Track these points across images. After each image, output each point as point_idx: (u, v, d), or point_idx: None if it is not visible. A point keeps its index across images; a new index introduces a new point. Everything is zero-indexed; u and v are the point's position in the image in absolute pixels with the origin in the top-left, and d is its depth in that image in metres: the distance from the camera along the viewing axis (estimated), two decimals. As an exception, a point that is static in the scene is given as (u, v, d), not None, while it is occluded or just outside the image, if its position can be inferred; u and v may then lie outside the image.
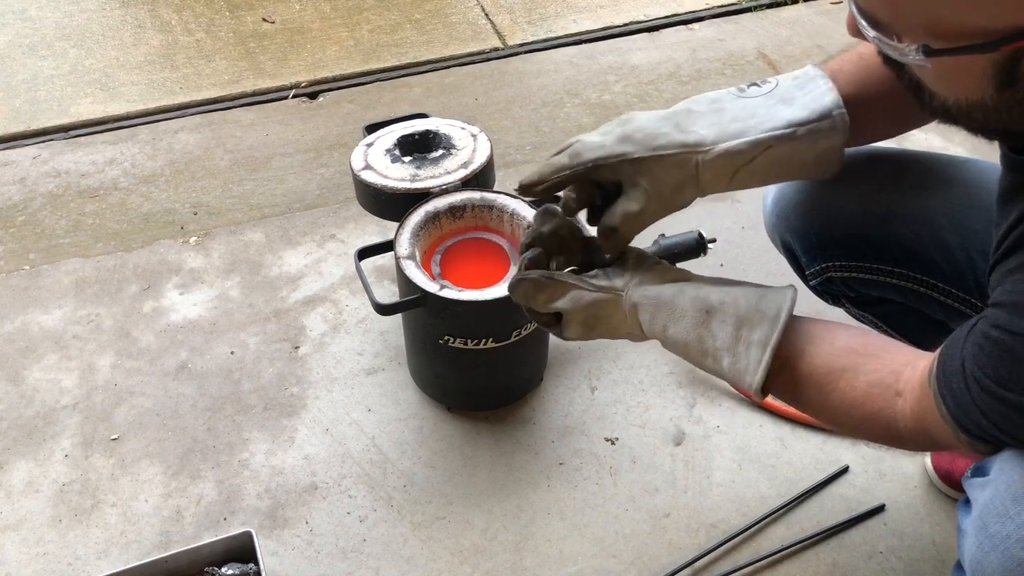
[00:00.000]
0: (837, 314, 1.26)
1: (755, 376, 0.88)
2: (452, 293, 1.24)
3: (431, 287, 1.24)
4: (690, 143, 0.92)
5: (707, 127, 0.93)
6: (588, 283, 0.95)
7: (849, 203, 1.10)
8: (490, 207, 1.37)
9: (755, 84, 0.97)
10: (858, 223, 1.10)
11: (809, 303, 1.22)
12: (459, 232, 1.38)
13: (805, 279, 1.20)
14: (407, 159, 1.42)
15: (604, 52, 2.26)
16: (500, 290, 1.25)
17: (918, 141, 1.97)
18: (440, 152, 1.42)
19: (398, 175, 1.39)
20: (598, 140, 0.93)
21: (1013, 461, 0.77)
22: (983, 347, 0.75)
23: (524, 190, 0.97)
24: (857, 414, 0.87)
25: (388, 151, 1.44)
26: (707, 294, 0.91)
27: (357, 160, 1.42)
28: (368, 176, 1.39)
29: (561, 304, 0.96)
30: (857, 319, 1.24)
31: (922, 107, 0.76)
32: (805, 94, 0.94)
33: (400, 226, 1.32)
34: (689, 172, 0.93)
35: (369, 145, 1.45)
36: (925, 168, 1.11)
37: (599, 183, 0.96)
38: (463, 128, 1.45)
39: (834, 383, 0.87)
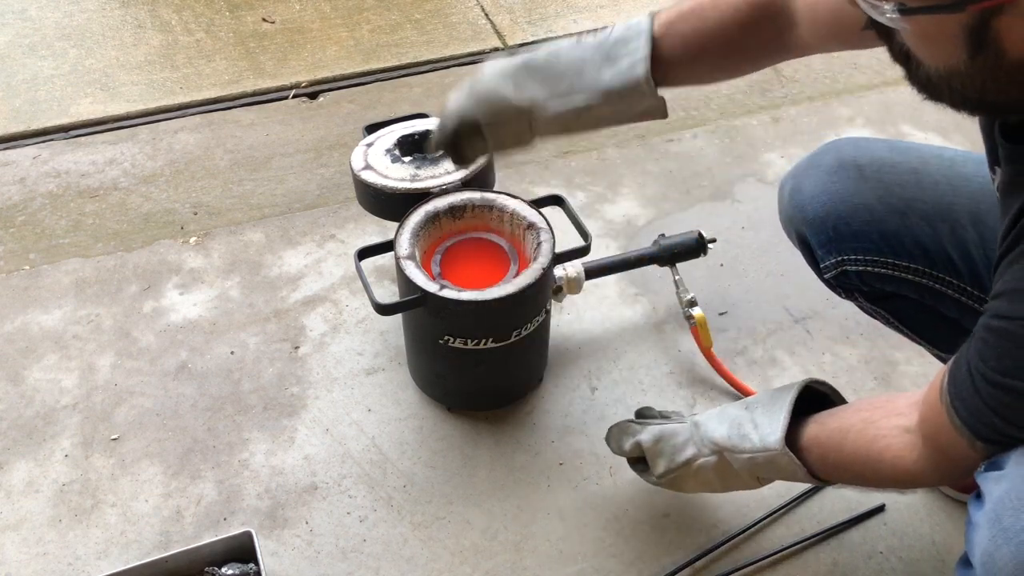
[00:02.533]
0: (850, 307, 1.27)
1: (777, 434, 1.02)
2: (452, 293, 1.24)
3: (431, 287, 1.24)
4: (524, 108, 1.03)
5: (540, 86, 1.03)
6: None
7: (868, 196, 1.11)
8: (490, 207, 1.37)
9: (593, 32, 1.05)
10: (877, 217, 1.10)
11: (823, 295, 1.22)
12: (459, 232, 1.39)
13: (819, 272, 1.20)
14: (407, 159, 1.42)
15: (604, 52, 2.26)
16: (500, 290, 1.25)
17: (918, 141, 1.97)
18: (440, 152, 1.42)
19: (398, 175, 1.39)
20: (453, 105, 1.08)
21: None
22: (986, 340, 0.76)
23: (433, 147, 1.15)
24: (871, 464, 0.95)
25: (388, 151, 1.44)
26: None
27: (357, 160, 1.42)
28: (368, 176, 1.39)
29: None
30: (869, 314, 1.24)
31: (911, 79, 0.77)
32: (626, 54, 1.00)
33: (400, 226, 1.32)
34: (525, 127, 1.06)
35: (369, 145, 1.46)
36: (947, 163, 1.11)
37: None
38: None
39: (847, 438, 0.97)
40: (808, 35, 0.99)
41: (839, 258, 1.15)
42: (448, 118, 1.09)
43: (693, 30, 1.01)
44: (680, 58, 1.01)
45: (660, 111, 1.03)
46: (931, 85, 0.75)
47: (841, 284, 1.19)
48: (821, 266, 1.18)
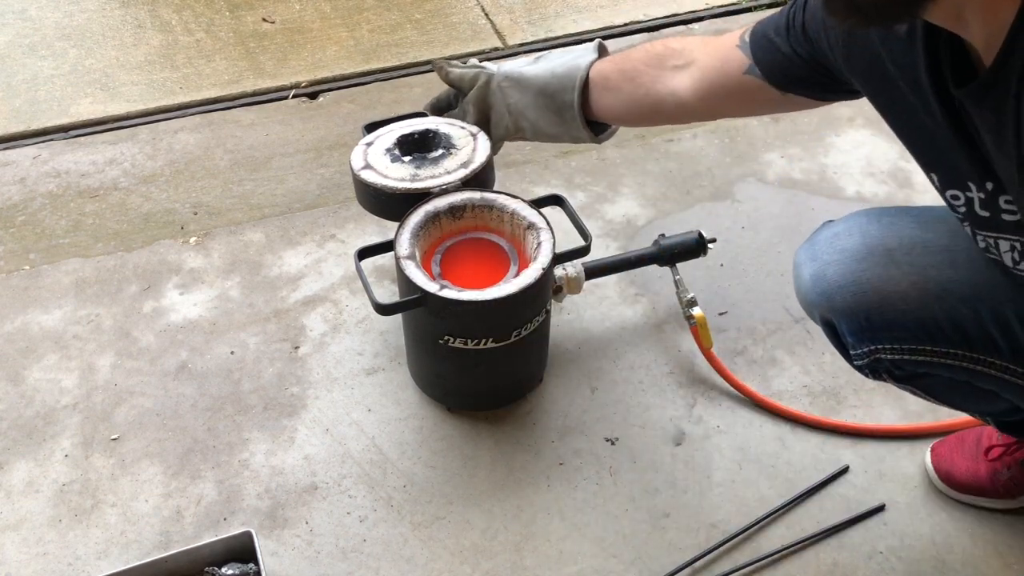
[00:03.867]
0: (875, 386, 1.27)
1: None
2: (452, 293, 1.24)
3: (431, 287, 1.24)
4: (483, 67, 1.40)
5: (497, 66, 1.39)
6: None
7: (902, 283, 1.04)
8: (490, 207, 1.37)
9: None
10: (912, 305, 1.03)
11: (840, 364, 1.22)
12: (459, 232, 1.38)
13: (848, 358, 1.14)
14: (407, 159, 1.42)
15: (604, 52, 2.27)
16: (500, 290, 1.25)
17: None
18: (440, 152, 1.42)
19: (398, 175, 1.39)
20: (457, 73, 1.43)
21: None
22: None
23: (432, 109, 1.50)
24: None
25: (388, 151, 1.43)
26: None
27: (357, 159, 1.42)
28: (368, 176, 1.39)
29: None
30: (900, 387, 1.16)
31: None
32: (563, 63, 1.30)
33: (400, 226, 1.32)
34: (485, 89, 1.38)
35: (369, 144, 1.45)
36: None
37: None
38: (462, 128, 1.44)
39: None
40: (696, 102, 1.20)
41: (872, 347, 1.08)
42: (449, 78, 1.45)
43: (621, 79, 1.26)
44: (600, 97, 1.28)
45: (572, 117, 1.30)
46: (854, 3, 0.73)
47: (872, 368, 1.11)
48: (851, 353, 1.11)
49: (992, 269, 1.00)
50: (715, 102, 1.18)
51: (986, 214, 0.91)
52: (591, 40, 1.34)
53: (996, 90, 0.75)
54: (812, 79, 1.06)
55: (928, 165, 0.96)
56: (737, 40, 1.13)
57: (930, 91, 0.86)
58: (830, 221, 1.14)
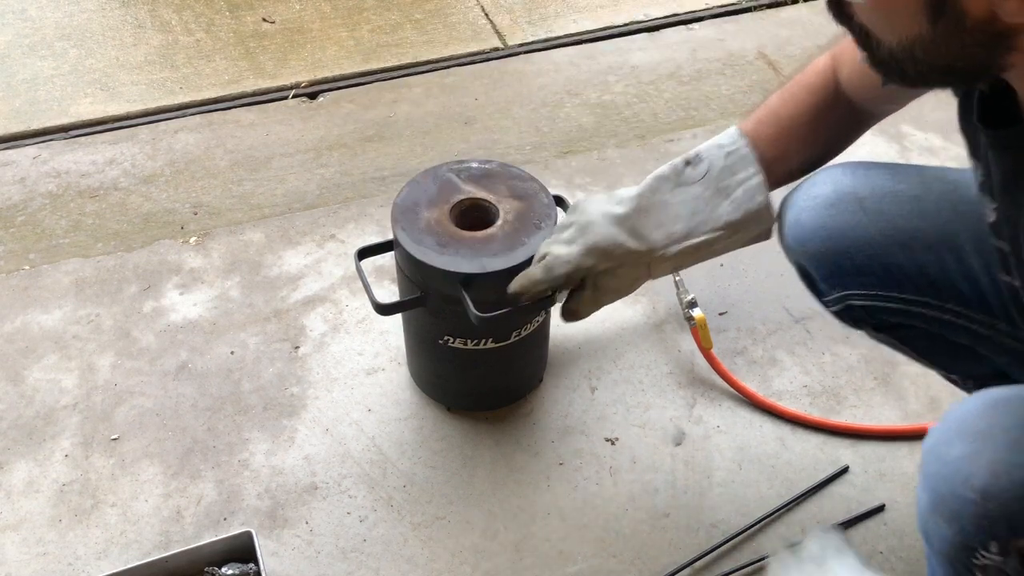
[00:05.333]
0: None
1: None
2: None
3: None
4: (643, 251, 1.05)
5: (656, 230, 1.05)
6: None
7: (870, 230, 1.07)
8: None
9: (688, 163, 1.05)
10: (879, 250, 1.07)
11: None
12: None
13: (823, 304, 1.16)
14: None
15: (604, 52, 2.26)
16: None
17: (918, 141, 1.98)
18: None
19: None
20: (565, 253, 1.07)
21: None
22: None
23: (511, 300, 1.14)
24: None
25: None
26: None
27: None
28: None
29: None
30: (878, 340, 1.20)
31: (872, 61, 0.77)
32: (738, 184, 1.03)
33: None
34: (642, 271, 1.08)
35: None
36: (950, 187, 1.08)
37: None
38: None
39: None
40: (862, 100, 1.05)
41: (843, 293, 1.11)
42: (556, 261, 1.08)
43: (778, 128, 1.06)
44: (771, 162, 1.04)
45: (766, 235, 1.07)
46: (895, 62, 0.74)
47: (846, 316, 1.15)
48: (825, 299, 1.15)
49: (961, 221, 1.04)
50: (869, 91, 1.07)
51: None
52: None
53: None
54: None
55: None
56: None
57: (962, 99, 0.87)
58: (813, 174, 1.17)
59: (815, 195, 1.12)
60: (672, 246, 1.04)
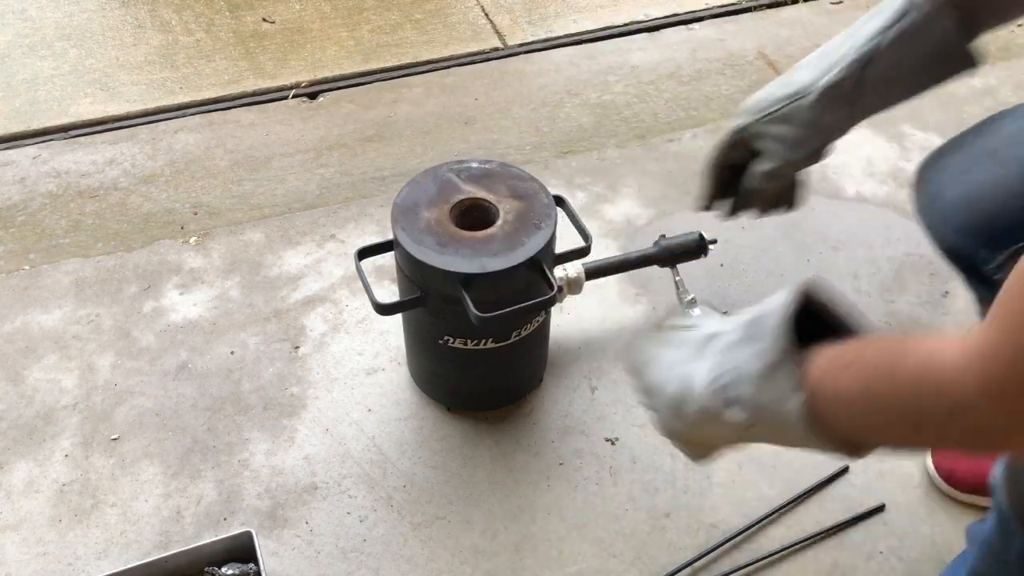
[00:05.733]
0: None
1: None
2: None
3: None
4: (791, 93, 0.95)
5: (806, 73, 0.94)
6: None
7: (1010, 177, 0.99)
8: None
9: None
10: None
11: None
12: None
13: (993, 272, 1.02)
14: None
15: (604, 52, 2.26)
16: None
17: (918, 141, 1.97)
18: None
19: None
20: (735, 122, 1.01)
21: None
22: None
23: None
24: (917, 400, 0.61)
25: None
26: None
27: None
28: None
29: None
30: None
31: None
32: (889, 3, 0.90)
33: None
34: (801, 120, 0.95)
35: None
36: None
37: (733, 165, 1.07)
38: None
39: (880, 382, 0.64)
40: None
41: (1013, 248, 0.97)
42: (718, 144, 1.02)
43: None
44: None
45: (955, 46, 0.88)
46: None
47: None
48: (991, 266, 1.02)
49: None
50: None
51: None
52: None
53: None
54: None
55: None
56: None
57: None
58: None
59: (944, 166, 1.05)
60: (821, 80, 0.93)
